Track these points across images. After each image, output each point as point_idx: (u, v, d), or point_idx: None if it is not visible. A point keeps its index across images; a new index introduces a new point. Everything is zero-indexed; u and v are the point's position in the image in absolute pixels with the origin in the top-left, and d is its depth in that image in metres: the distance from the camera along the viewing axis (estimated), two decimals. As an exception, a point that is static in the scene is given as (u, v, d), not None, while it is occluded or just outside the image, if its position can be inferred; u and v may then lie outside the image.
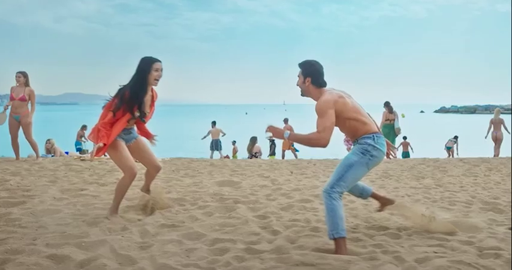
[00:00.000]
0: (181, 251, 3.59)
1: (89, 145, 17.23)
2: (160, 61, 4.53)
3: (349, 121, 3.78)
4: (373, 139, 3.77)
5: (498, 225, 4.51)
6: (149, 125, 5.03)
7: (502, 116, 15.49)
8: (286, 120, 17.97)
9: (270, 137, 3.84)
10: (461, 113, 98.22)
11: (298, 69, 3.90)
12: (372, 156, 3.73)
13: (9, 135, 9.19)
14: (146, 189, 5.16)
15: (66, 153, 14.27)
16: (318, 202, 5.53)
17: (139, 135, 4.92)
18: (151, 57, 4.53)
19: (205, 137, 18.88)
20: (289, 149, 17.15)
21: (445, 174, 8.46)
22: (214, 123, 19.03)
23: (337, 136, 4.29)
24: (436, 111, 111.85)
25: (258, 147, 16.99)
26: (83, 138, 17.77)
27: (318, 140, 3.57)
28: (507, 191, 6.56)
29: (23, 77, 9.06)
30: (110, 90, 4.56)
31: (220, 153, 18.44)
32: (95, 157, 4.55)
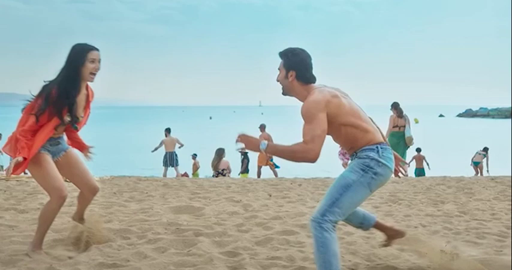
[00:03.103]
0: (125, 299, 3.61)
1: (4, 159, 17.01)
2: (97, 49, 4.56)
3: (345, 128, 3.83)
4: (377, 152, 3.81)
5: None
6: (83, 133, 5.04)
7: None
8: (263, 127, 18.01)
9: (242, 149, 3.86)
10: (493, 118, 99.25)
11: (279, 60, 3.97)
12: (375, 174, 3.77)
13: None
14: (79, 217, 5.15)
15: (-25, 170, 14.09)
16: (304, 234, 5.60)
17: (70, 147, 4.93)
18: (85, 45, 4.56)
19: (156, 149, 18.80)
20: (266, 164, 17.19)
21: (472, 198, 8.59)
22: (168, 130, 18.98)
23: (330, 147, 4.37)
24: (459, 115, 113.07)
25: (226, 163, 16.99)
26: (-4, 151, 17.56)
27: (304, 153, 3.60)
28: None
29: None
30: (32, 88, 4.58)
31: (176, 170, 18.39)
32: (12, 175, 4.53)
